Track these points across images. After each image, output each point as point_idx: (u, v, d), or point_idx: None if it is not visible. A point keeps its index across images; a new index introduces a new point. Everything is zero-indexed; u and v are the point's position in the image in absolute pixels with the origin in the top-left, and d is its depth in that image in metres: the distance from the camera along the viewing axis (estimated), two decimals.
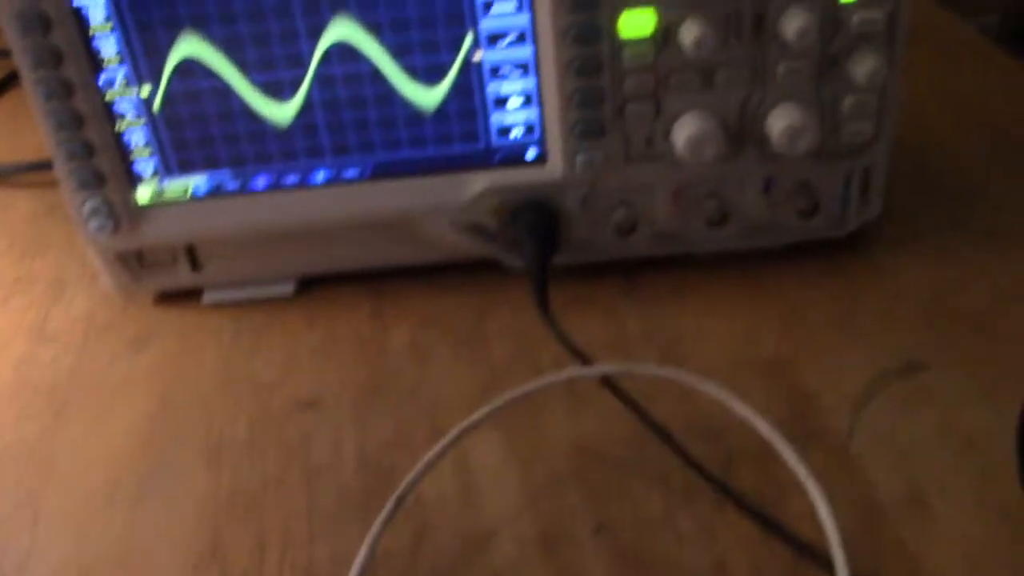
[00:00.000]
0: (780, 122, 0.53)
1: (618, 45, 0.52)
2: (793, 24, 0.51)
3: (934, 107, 0.73)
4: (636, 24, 0.52)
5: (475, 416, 0.47)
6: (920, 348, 0.53)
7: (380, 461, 0.50)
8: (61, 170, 0.56)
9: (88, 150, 0.55)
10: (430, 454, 0.46)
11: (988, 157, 0.67)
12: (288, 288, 0.62)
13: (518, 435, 0.51)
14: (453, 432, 0.47)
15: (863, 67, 0.52)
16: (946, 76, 0.76)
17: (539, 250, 0.55)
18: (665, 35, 0.52)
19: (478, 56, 0.54)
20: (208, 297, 0.62)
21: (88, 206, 0.57)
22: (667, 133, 0.55)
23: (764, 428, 0.45)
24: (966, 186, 0.64)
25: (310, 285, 0.62)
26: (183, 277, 0.61)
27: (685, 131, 0.53)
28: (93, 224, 0.57)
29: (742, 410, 0.46)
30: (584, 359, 0.50)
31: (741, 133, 0.55)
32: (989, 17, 1.77)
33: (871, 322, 0.55)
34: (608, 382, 0.49)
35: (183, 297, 0.63)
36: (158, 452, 0.53)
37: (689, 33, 0.51)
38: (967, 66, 0.78)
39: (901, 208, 0.62)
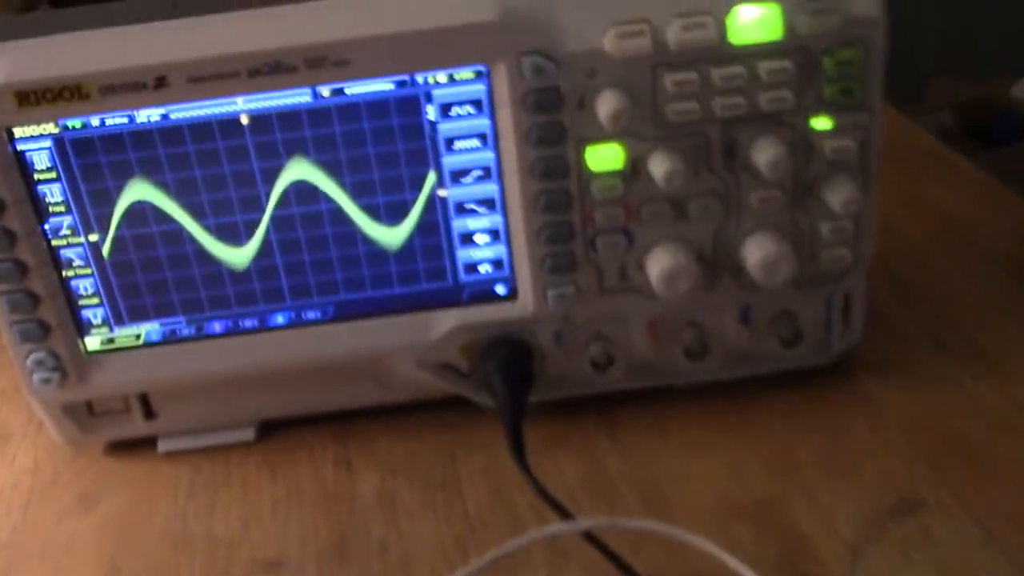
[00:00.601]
0: (756, 253, 0.51)
1: (586, 178, 0.51)
2: (764, 155, 0.49)
3: (901, 215, 0.72)
4: (604, 157, 0.50)
5: None
6: (913, 483, 0.50)
7: None
8: (3, 322, 0.53)
9: (32, 301, 0.52)
10: None
11: (959, 266, 0.66)
12: (249, 434, 0.59)
13: None
14: None
15: (838, 195, 0.51)
16: (910, 184, 0.76)
17: (512, 392, 0.53)
18: (634, 167, 0.51)
19: (442, 193, 0.52)
20: (163, 446, 0.59)
21: (32, 358, 0.54)
22: (640, 264, 0.53)
23: None
24: (942, 299, 0.63)
25: (272, 429, 0.59)
26: (136, 426, 0.58)
27: (658, 264, 0.52)
28: (38, 376, 0.54)
29: (733, 563, 0.44)
30: (565, 513, 0.47)
31: (716, 263, 0.53)
32: (943, 115, 1.80)
33: (861, 455, 0.53)
34: (591, 536, 0.46)
35: (137, 446, 0.59)
36: None
37: (659, 166, 0.49)
38: (930, 174, 0.78)
39: (881, 327, 0.60)
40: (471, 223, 0.53)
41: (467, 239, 0.54)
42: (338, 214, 0.52)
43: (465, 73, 0.49)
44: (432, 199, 0.52)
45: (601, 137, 0.50)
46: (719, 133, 0.50)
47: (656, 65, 0.48)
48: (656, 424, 0.56)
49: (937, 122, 1.75)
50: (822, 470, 0.52)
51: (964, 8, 1.90)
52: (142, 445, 0.59)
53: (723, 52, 0.48)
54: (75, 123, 0.50)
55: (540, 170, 0.50)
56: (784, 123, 0.50)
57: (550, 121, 0.49)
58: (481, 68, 0.49)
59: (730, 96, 0.49)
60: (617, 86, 0.48)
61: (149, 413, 0.57)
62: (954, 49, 1.88)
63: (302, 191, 0.52)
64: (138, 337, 0.55)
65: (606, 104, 0.48)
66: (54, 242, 0.52)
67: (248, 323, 0.55)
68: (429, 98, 0.50)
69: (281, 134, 0.50)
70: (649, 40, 0.48)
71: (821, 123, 0.50)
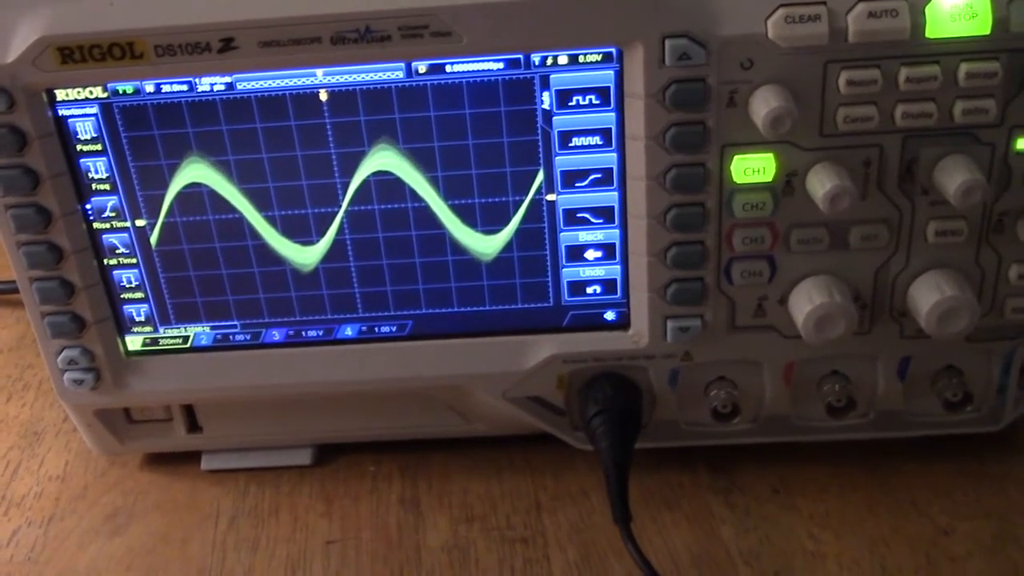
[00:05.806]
0: (930, 296, 0.42)
1: (728, 192, 0.42)
2: (954, 178, 0.40)
3: None
4: (753, 168, 0.41)
5: None
6: None
7: None
8: (33, 313, 0.46)
9: (67, 291, 0.45)
10: None
11: None
12: (305, 457, 0.52)
13: None
14: None
15: None
16: None
17: (617, 441, 0.44)
18: (788, 182, 0.42)
19: (551, 198, 0.44)
20: (207, 463, 0.52)
21: (64, 356, 0.47)
22: (783, 299, 0.44)
23: None
24: None
25: (331, 454, 0.52)
26: (178, 440, 0.51)
27: (807, 302, 0.43)
28: (69, 377, 0.47)
29: None
30: None
31: (876, 305, 0.44)
32: None
33: None
34: None
35: (177, 460, 0.52)
36: None
37: (820, 184, 0.40)
38: None
39: None
40: (582, 235, 0.45)
41: (576, 254, 0.45)
42: (425, 214, 0.45)
43: (592, 55, 0.41)
44: (538, 204, 0.44)
45: (752, 143, 0.41)
46: (898, 147, 0.41)
47: (830, 59, 0.39)
48: (782, 489, 0.48)
49: None
50: (986, 563, 0.43)
51: None
52: (184, 459, 0.52)
53: (915, 47, 0.39)
54: (126, 88, 0.43)
55: (673, 178, 0.41)
56: (981, 140, 0.41)
57: (691, 120, 0.40)
58: (612, 50, 0.41)
59: (918, 102, 0.40)
60: (779, 82, 0.40)
61: (193, 426, 0.51)
62: None
63: (385, 185, 0.44)
64: (185, 340, 0.48)
65: (765, 103, 0.39)
66: (95, 225, 0.45)
67: (312, 333, 0.48)
68: (545, 83, 0.42)
69: (366, 115, 0.43)
70: (825, 27, 0.38)
71: None
